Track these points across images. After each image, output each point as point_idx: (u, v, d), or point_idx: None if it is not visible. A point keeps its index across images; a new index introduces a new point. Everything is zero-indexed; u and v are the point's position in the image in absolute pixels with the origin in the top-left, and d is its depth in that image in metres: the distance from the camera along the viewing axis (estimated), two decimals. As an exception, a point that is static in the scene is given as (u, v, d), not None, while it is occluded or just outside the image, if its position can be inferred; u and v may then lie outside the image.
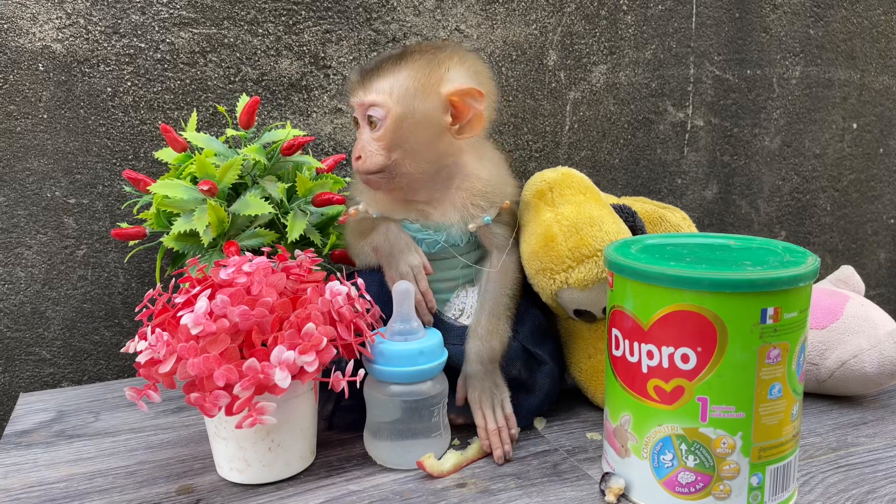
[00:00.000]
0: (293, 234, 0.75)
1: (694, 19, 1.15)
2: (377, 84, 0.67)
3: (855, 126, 1.34)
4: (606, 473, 0.60)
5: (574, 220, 0.69)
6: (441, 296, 0.72)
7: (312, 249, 0.73)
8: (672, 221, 0.79)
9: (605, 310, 0.72)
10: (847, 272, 0.86)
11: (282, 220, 0.77)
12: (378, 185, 0.70)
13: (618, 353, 0.58)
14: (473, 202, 0.71)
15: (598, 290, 0.69)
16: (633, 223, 0.74)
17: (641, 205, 0.81)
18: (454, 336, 0.69)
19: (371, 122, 0.68)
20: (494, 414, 0.67)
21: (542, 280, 0.71)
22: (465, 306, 0.72)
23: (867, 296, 1.25)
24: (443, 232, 0.70)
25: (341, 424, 0.71)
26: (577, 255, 0.68)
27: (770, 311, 0.52)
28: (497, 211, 0.72)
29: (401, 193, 0.71)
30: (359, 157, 0.68)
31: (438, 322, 0.70)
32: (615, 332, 0.58)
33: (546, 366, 0.72)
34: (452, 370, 0.68)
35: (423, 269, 0.68)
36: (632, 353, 0.56)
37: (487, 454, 0.67)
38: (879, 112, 1.35)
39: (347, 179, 0.89)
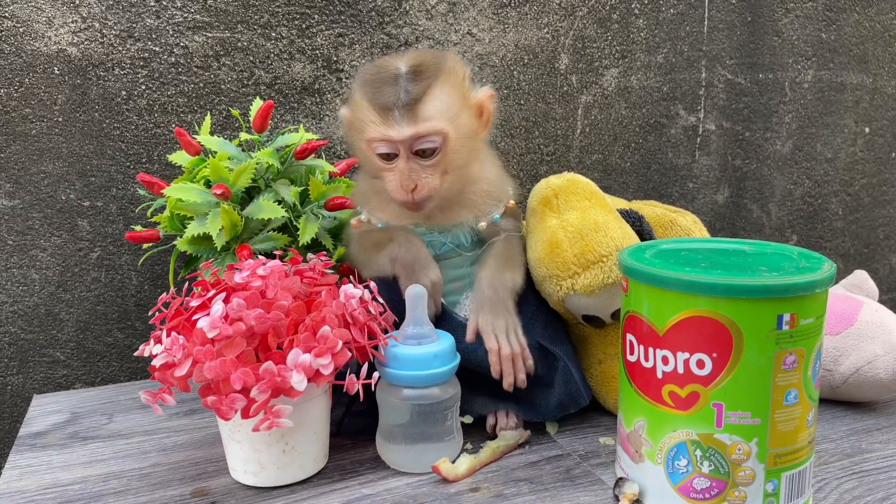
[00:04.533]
0: (305, 238, 0.75)
1: (706, 23, 1.15)
2: (423, 111, 0.64)
3: (867, 130, 1.33)
4: (620, 479, 0.60)
5: (579, 227, 0.69)
6: (450, 297, 0.72)
7: (325, 253, 0.73)
8: (683, 225, 0.79)
9: (613, 315, 0.72)
10: (861, 277, 0.86)
11: (294, 224, 0.77)
12: (426, 207, 0.68)
13: (632, 359, 0.58)
14: (482, 202, 0.72)
15: (605, 295, 0.69)
16: (640, 227, 0.74)
17: (652, 209, 0.81)
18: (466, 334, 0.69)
19: (422, 153, 0.66)
20: (509, 339, 0.66)
21: (548, 287, 0.71)
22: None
23: (880, 300, 1.24)
24: (447, 233, 0.71)
25: (351, 429, 0.71)
26: (582, 262, 0.68)
27: (786, 317, 0.52)
28: (503, 209, 0.74)
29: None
30: (414, 188, 0.66)
31: (451, 322, 0.70)
32: (630, 337, 0.58)
33: (560, 363, 0.70)
34: (464, 373, 0.68)
35: (438, 284, 0.69)
36: (646, 359, 0.56)
37: (500, 457, 0.67)
38: (892, 116, 1.35)
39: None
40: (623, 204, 0.81)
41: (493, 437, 0.69)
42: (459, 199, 0.71)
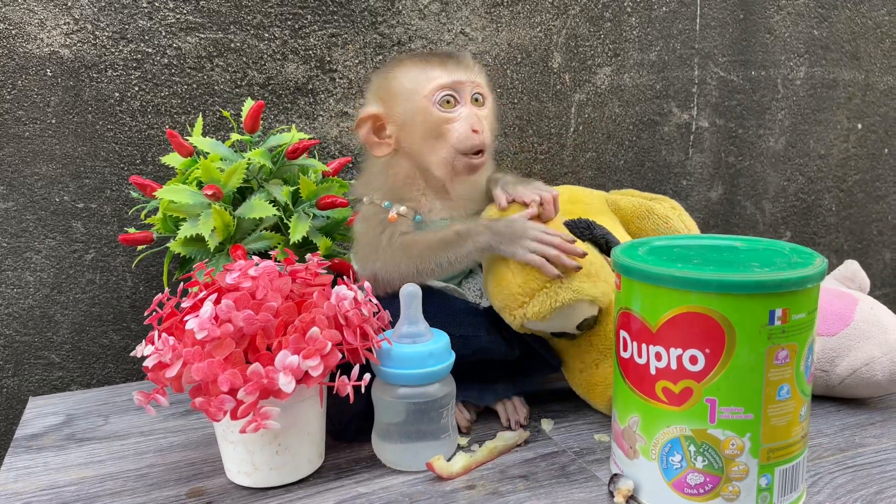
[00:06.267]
0: (295, 236, 0.75)
1: (698, 21, 1.15)
2: (474, 66, 0.74)
3: (860, 126, 1.33)
4: (615, 475, 0.60)
5: None
6: (457, 283, 0.74)
7: (320, 253, 0.73)
8: (660, 213, 0.77)
9: (579, 326, 0.70)
10: (852, 268, 0.85)
11: (286, 223, 0.77)
12: (484, 160, 0.73)
13: (626, 355, 0.58)
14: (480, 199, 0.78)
15: (559, 316, 0.67)
16: (592, 235, 0.71)
17: (629, 198, 0.79)
18: (488, 324, 0.71)
19: (476, 100, 0.73)
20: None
21: (506, 316, 0.69)
22: (482, 287, 0.75)
23: (872, 296, 1.25)
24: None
25: (352, 431, 0.70)
26: (527, 290, 0.67)
27: (778, 312, 0.52)
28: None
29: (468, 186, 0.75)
30: (477, 130, 0.71)
31: (469, 311, 0.71)
32: (623, 333, 0.58)
33: None
34: (473, 366, 0.69)
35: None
36: (640, 355, 0.57)
37: (496, 457, 0.67)
38: (884, 112, 1.35)
39: (353, 182, 0.90)
40: (598, 196, 0.79)
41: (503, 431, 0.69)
42: (479, 187, 0.76)
